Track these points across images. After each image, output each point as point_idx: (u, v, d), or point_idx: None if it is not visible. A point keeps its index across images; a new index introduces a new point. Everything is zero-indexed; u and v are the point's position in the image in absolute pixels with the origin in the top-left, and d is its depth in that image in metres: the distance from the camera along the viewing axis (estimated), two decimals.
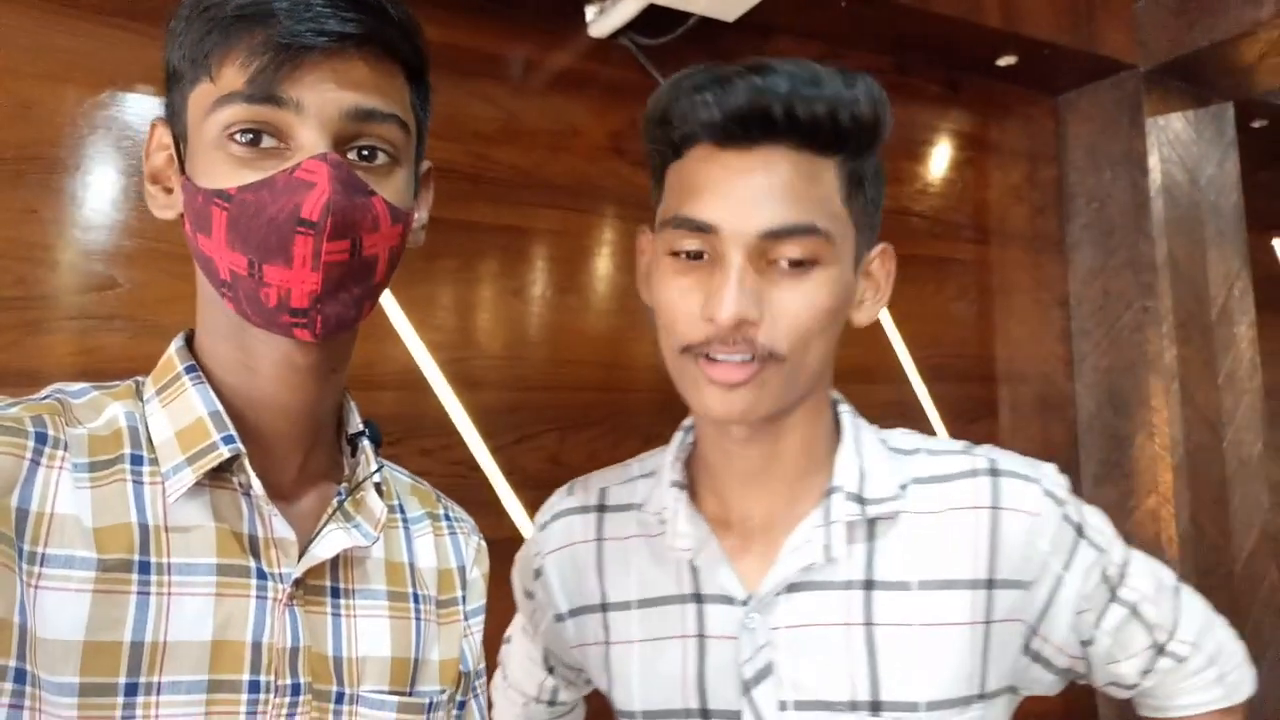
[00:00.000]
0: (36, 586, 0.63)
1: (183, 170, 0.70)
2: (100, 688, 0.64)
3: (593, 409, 1.66)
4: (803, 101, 0.76)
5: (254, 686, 0.69)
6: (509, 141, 1.62)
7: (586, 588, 0.95)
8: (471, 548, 0.89)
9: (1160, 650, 0.89)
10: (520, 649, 1.07)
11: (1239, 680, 0.93)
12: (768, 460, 0.85)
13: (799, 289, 0.78)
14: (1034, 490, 0.85)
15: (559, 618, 0.98)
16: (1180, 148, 2.23)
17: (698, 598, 0.87)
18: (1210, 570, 2.13)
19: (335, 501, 0.77)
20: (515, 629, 1.08)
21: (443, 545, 0.86)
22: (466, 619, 0.86)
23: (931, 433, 1.53)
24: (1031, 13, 2.00)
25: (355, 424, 0.81)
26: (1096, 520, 0.89)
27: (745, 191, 0.77)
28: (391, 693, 0.77)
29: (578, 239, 1.69)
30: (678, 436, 0.94)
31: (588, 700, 1.11)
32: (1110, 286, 2.22)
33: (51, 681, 0.63)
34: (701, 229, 0.78)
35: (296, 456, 0.76)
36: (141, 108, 1.35)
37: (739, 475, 0.87)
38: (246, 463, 0.71)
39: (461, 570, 0.87)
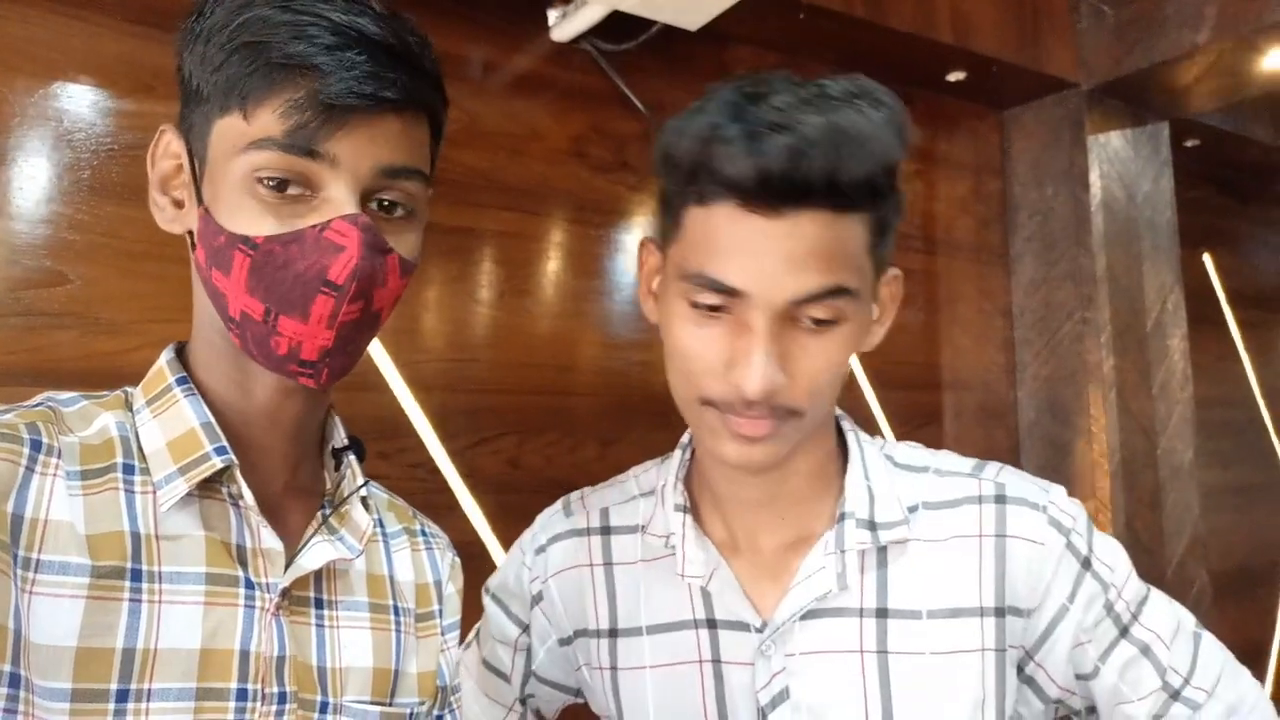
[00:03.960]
0: (31, 592, 0.64)
1: (199, 191, 0.71)
2: (92, 694, 0.64)
3: (551, 413, 1.66)
4: (843, 165, 0.72)
5: (241, 695, 0.70)
6: (469, 143, 1.61)
7: (591, 612, 0.93)
8: (446, 563, 0.90)
9: (1174, 695, 0.86)
10: (473, 686, 1.02)
11: None
12: (777, 487, 0.86)
13: (822, 347, 0.76)
14: (1039, 519, 0.85)
15: (564, 641, 0.96)
16: (1119, 165, 2.30)
17: (711, 623, 0.87)
18: (1143, 574, 2.15)
19: (320, 515, 0.78)
20: (464, 667, 1.03)
21: (419, 560, 0.87)
22: (443, 634, 0.87)
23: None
24: (981, 30, 2.06)
25: (340, 439, 0.82)
26: (1107, 554, 0.87)
27: (773, 258, 0.74)
28: (373, 703, 0.77)
29: (537, 242, 1.69)
30: (676, 455, 0.93)
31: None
32: (1051, 298, 2.29)
33: (44, 687, 0.63)
34: (728, 292, 0.75)
35: (283, 470, 0.78)
36: (94, 101, 1.32)
37: (747, 502, 0.87)
38: (238, 473, 0.72)
39: (438, 585, 0.88)
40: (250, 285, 0.67)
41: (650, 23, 1.66)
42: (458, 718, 0.87)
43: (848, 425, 0.90)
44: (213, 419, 0.73)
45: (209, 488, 0.72)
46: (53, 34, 1.30)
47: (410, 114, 0.70)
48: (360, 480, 0.81)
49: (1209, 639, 0.90)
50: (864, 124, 0.73)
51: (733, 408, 0.77)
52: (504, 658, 1.00)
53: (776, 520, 0.87)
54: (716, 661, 0.86)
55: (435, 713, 0.85)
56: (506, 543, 1.59)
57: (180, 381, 0.74)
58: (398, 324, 1.52)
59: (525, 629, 0.98)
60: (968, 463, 0.90)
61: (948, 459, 0.91)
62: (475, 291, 1.61)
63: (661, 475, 0.94)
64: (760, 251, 0.74)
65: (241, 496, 0.72)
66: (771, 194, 0.73)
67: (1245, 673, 0.90)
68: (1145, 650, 0.86)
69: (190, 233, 0.72)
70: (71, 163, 1.30)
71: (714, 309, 0.77)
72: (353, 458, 0.82)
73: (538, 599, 0.96)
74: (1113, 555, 0.88)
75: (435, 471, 1.54)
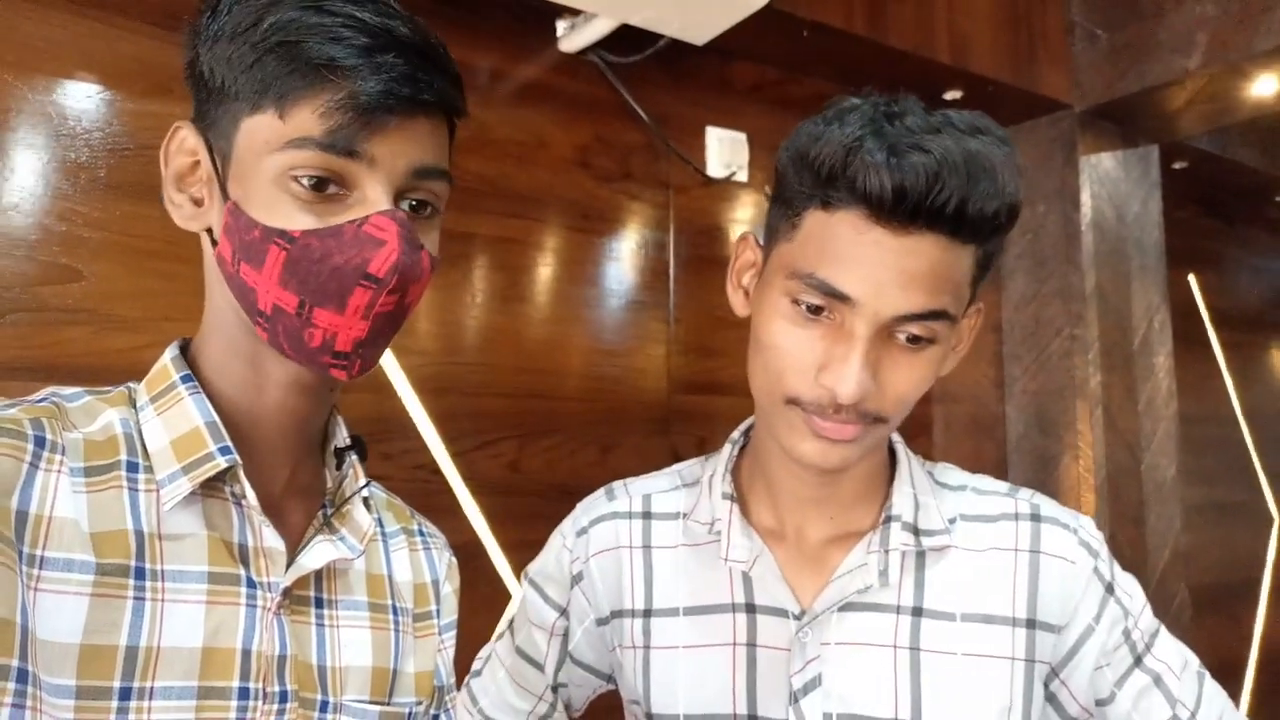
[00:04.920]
0: (35, 589, 0.63)
1: (224, 187, 0.70)
2: (96, 691, 0.64)
3: (552, 418, 1.69)
4: (975, 198, 0.75)
5: (243, 693, 0.70)
6: (477, 150, 1.64)
7: (628, 592, 0.96)
8: (444, 563, 0.90)
9: None
10: (504, 676, 1.04)
11: None
12: (833, 487, 0.90)
13: (913, 364, 0.79)
14: (1071, 539, 0.89)
15: (600, 621, 0.98)
16: (1109, 185, 2.35)
17: (750, 608, 0.90)
18: None
19: (321, 514, 0.78)
20: (495, 657, 1.06)
21: (417, 560, 0.88)
22: (440, 633, 0.87)
23: None
24: (978, 51, 2.10)
25: (342, 438, 0.82)
26: (1127, 584, 0.91)
27: (889, 274, 0.76)
28: (372, 702, 0.78)
29: (541, 250, 1.71)
30: (725, 449, 0.96)
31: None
32: (1041, 314, 2.33)
33: (50, 683, 0.63)
34: (837, 297, 0.77)
35: (285, 468, 0.78)
36: (111, 101, 1.34)
37: (801, 497, 0.90)
38: (241, 473, 0.72)
39: (435, 585, 0.88)
40: (284, 278, 0.67)
41: (657, 36, 1.69)
42: (453, 716, 0.88)
43: (897, 437, 0.94)
44: (217, 418, 0.72)
45: (211, 486, 0.72)
46: (71, 35, 1.32)
47: (439, 116, 0.72)
48: (362, 480, 0.81)
49: (1210, 679, 0.93)
50: (997, 160, 0.76)
51: (822, 410, 0.79)
52: (540, 643, 1.01)
53: (825, 516, 0.90)
54: (751, 645, 0.89)
55: (432, 712, 0.85)
56: (506, 545, 1.61)
57: (185, 379, 0.74)
58: (405, 325, 1.54)
59: (563, 612, 1.00)
60: (1003, 485, 0.95)
61: (984, 480, 0.95)
62: (480, 296, 1.64)
63: (707, 468, 0.97)
64: (878, 263, 0.76)
65: (244, 496, 0.72)
66: (903, 211, 0.75)
67: (1242, 717, 0.94)
68: (1157, 680, 0.89)
69: (209, 230, 0.72)
70: (88, 161, 1.32)
71: (814, 311, 0.79)
72: (355, 457, 0.81)
73: (577, 579, 0.99)
74: (1132, 586, 0.92)
75: (437, 473, 1.56)
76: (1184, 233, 2.79)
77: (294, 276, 0.67)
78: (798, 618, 0.87)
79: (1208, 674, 0.94)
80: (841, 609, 0.87)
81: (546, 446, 1.68)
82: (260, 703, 0.70)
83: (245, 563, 0.72)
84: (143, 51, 1.36)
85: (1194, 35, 2.06)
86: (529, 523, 1.62)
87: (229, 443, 0.71)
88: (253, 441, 0.75)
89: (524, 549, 1.62)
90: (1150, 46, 2.14)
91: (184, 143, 0.73)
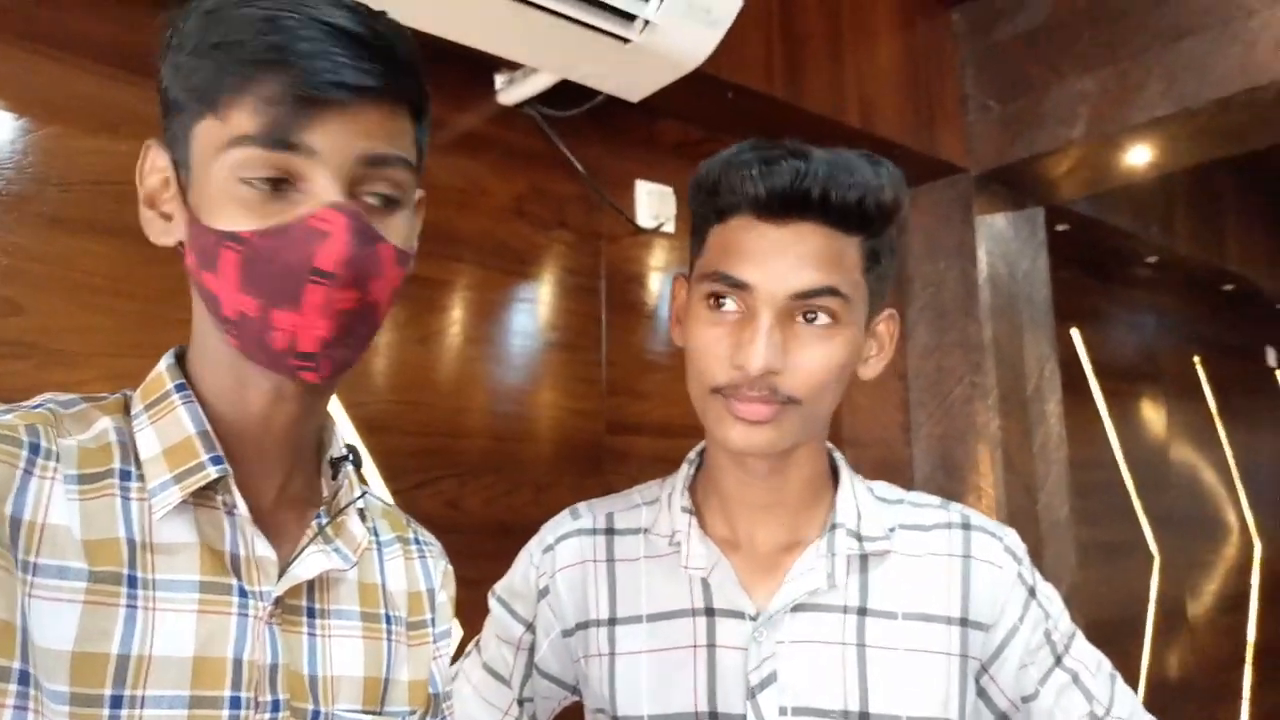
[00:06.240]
0: (29, 595, 0.64)
1: (185, 200, 0.72)
2: (88, 698, 0.65)
3: (490, 457, 1.71)
4: (837, 187, 0.87)
5: (235, 703, 0.70)
6: None
7: (593, 604, 1.01)
8: (439, 571, 0.91)
9: None
10: (470, 692, 1.07)
11: None
12: (777, 492, 0.97)
13: (818, 344, 0.89)
14: (998, 546, 0.98)
15: (566, 633, 1.03)
16: (1002, 244, 2.52)
17: (709, 611, 0.96)
18: None
19: (316, 524, 0.78)
20: (462, 674, 1.08)
21: (412, 568, 0.89)
22: (435, 641, 0.88)
23: None
24: (884, 116, 2.25)
25: (338, 448, 0.83)
26: (1047, 590, 1.01)
27: (779, 259, 0.88)
28: (364, 712, 0.78)
29: (481, 293, 1.76)
30: (684, 469, 1.04)
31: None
32: (943, 363, 2.47)
33: (47, 688, 0.63)
34: (738, 285, 0.89)
35: (278, 477, 0.78)
36: (57, 137, 1.34)
37: (751, 504, 0.98)
38: (232, 483, 0.72)
39: (431, 593, 0.89)
40: (241, 282, 0.67)
41: (591, 92, 1.77)
42: None
43: (839, 456, 1.03)
44: (209, 427, 0.73)
45: (203, 495, 0.72)
46: (18, 70, 1.31)
47: (389, 103, 0.70)
48: (358, 491, 0.82)
49: (1121, 680, 1.03)
50: (859, 163, 0.89)
51: (737, 390, 0.88)
52: (507, 658, 1.05)
53: (775, 524, 0.98)
54: (711, 646, 0.96)
55: (427, 719, 0.85)
56: None
57: (179, 388, 0.74)
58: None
59: (529, 626, 1.04)
60: (936, 499, 1.05)
61: (919, 495, 1.05)
62: (422, 337, 1.67)
63: (665, 487, 1.05)
64: (768, 252, 0.88)
65: (235, 506, 0.73)
66: (778, 205, 0.88)
67: (1149, 715, 1.03)
68: (1075, 678, 0.98)
69: (181, 243, 0.73)
70: (32, 195, 1.31)
71: (726, 308, 0.90)
72: (350, 467, 0.82)
73: (544, 593, 1.04)
74: (1051, 591, 1.02)
75: None
76: (1067, 290, 3.00)
77: (250, 280, 0.67)
78: (753, 619, 0.94)
79: (1119, 675, 1.03)
80: (793, 610, 0.94)
81: (485, 485, 1.70)
82: (252, 712, 0.70)
83: (237, 572, 0.72)
84: (91, 89, 1.37)
85: (1076, 108, 2.26)
86: (469, 561, 1.62)
87: (220, 452, 0.72)
88: (243, 451, 0.75)
89: (464, 586, 1.61)
90: (1037, 117, 2.33)
91: (154, 162, 0.74)
